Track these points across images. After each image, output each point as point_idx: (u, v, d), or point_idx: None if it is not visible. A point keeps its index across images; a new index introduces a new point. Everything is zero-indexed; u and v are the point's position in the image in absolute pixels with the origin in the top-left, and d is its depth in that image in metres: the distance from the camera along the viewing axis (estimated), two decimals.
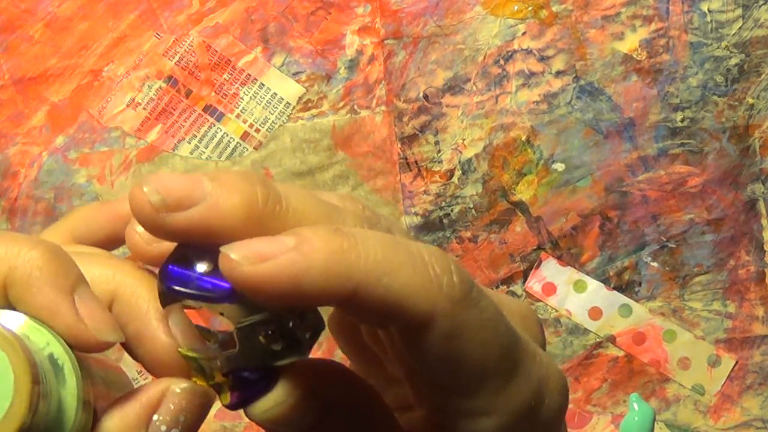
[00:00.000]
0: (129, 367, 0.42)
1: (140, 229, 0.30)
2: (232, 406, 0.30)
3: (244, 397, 0.29)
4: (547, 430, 0.32)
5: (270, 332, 0.28)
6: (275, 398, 0.29)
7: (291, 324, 0.28)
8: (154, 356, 0.30)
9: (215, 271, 0.28)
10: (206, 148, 0.75)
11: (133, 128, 0.75)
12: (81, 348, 0.28)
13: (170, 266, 0.29)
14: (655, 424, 0.73)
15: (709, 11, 0.73)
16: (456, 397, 0.30)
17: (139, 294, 0.30)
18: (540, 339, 0.34)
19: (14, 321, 0.27)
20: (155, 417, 0.29)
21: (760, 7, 0.73)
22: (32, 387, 0.26)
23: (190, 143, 0.75)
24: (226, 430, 0.73)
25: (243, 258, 0.27)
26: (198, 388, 0.30)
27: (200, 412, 0.30)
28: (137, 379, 0.66)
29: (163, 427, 0.29)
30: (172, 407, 0.29)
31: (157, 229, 0.29)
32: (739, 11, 0.73)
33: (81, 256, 0.30)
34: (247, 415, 0.30)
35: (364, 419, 0.31)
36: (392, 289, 0.28)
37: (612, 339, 0.74)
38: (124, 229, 0.33)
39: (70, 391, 0.27)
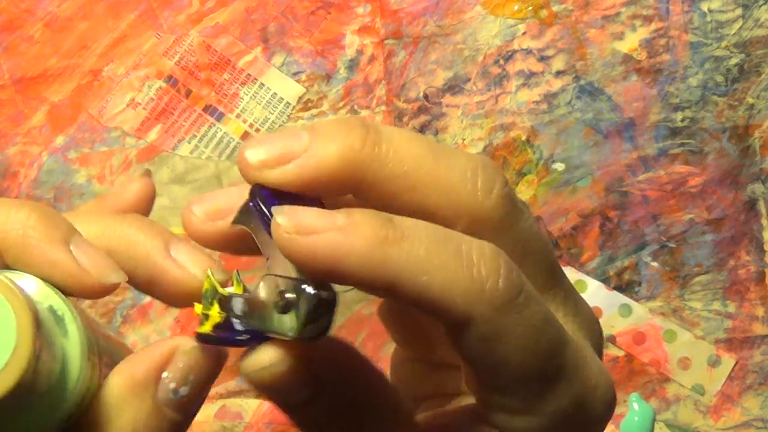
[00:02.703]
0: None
1: (197, 209, 0.31)
2: (203, 339, 0.29)
3: (221, 339, 0.29)
4: None
5: (289, 297, 0.28)
6: (269, 358, 0.28)
7: (317, 301, 0.28)
8: (172, 290, 0.30)
9: None
10: (206, 147, 0.75)
11: (133, 128, 0.75)
12: (87, 294, 0.28)
13: (265, 190, 0.29)
14: (655, 424, 0.73)
15: (709, 11, 0.73)
16: (495, 393, 0.30)
17: (135, 240, 0.30)
18: (598, 345, 0.33)
19: (13, 278, 0.27)
20: (165, 374, 0.29)
21: (760, 7, 0.73)
22: (35, 332, 0.25)
23: (190, 143, 0.75)
24: (226, 430, 0.73)
25: (289, 226, 0.27)
26: (209, 349, 0.30)
27: (210, 372, 0.30)
28: None
29: (173, 385, 0.29)
30: (182, 365, 0.29)
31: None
32: (739, 11, 0.73)
33: (68, 216, 0.30)
34: (241, 372, 0.29)
35: (364, 402, 0.30)
36: (430, 288, 0.27)
37: (612, 339, 0.74)
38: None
39: (72, 342, 0.27)
